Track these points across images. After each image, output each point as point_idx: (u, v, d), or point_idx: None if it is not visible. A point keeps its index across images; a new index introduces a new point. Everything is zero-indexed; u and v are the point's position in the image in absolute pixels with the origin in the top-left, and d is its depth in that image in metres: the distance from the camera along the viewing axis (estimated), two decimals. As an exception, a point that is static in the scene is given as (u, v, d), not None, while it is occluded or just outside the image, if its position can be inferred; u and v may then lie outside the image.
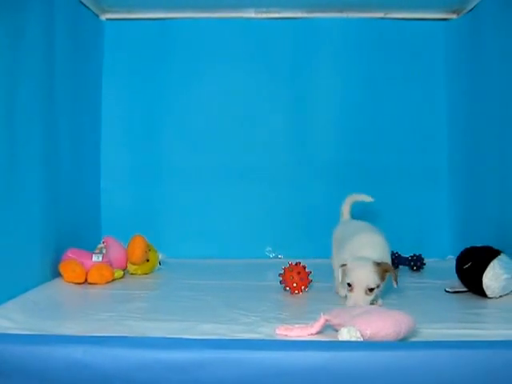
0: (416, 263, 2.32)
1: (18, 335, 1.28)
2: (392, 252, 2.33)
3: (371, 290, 1.58)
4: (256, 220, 2.63)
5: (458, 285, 1.89)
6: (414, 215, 2.62)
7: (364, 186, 2.51)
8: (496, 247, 1.86)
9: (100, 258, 2.04)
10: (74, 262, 1.99)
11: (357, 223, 1.94)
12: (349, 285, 1.60)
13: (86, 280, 1.98)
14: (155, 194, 2.64)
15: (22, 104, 1.78)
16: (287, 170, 2.64)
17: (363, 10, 2.58)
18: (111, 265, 2.07)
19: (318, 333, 1.36)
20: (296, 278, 1.86)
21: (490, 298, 1.78)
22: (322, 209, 2.55)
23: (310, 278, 1.88)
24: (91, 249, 2.13)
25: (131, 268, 2.20)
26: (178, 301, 1.76)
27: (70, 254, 2.02)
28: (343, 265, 1.64)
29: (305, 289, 1.87)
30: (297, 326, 1.40)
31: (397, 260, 2.34)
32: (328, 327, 1.38)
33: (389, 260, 1.71)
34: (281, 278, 1.91)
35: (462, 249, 1.95)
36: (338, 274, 1.66)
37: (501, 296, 1.78)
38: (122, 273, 2.14)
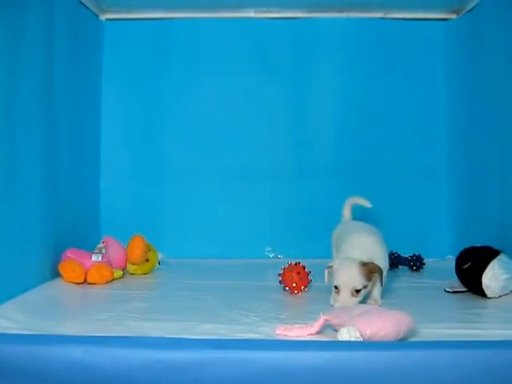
0: (416, 263, 2.31)
1: (18, 335, 1.28)
2: (392, 252, 2.35)
3: (358, 291, 1.57)
4: (256, 220, 2.63)
5: (457, 285, 1.89)
6: (414, 215, 2.62)
7: (364, 186, 2.53)
8: (496, 247, 1.86)
9: (99, 258, 2.04)
10: (73, 261, 1.99)
11: (354, 224, 1.93)
12: (335, 287, 1.60)
13: (85, 280, 1.98)
14: (155, 194, 2.64)
15: (21, 104, 1.77)
16: (287, 170, 2.64)
17: (363, 9, 2.58)
18: (111, 265, 2.07)
19: (318, 333, 1.36)
20: (295, 277, 1.86)
21: (489, 297, 1.78)
22: (322, 209, 2.55)
23: (310, 277, 1.88)
24: (91, 249, 2.13)
25: (131, 268, 2.20)
26: (177, 301, 1.76)
27: (70, 253, 2.02)
28: (329, 266, 1.64)
29: (304, 289, 1.87)
30: (296, 326, 1.40)
31: (396, 260, 2.34)
32: (328, 327, 1.38)
33: (381, 261, 1.68)
34: (280, 278, 1.91)
35: (461, 249, 1.95)
36: (325, 274, 1.66)
37: (500, 296, 1.78)
38: (122, 273, 2.14)
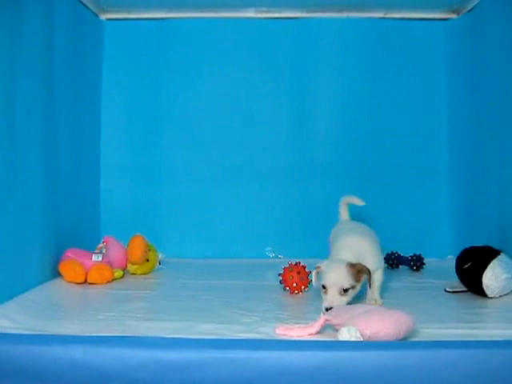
0: (416, 263, 2.31)
1: (18, 335, 1.28)
2: (392, 252, 2.35)
3: (346, 290, 1.57)
4: (256, 220, 2.63)
5: (457, 285, 1.89)
6: (414, 215, 2.62)
7: (364, 186, 2.53)
8: (496, 247, 1.87)
9: (100, 258, 2.04)
10: (73, 261, 1.99)
11: (347, 225, 1.92)
12: (323, 287, 1.59)
13: (85, 280, 1.98)
14: (155, 194, 2.64)
15: (21, 103, 1.77)
16: (287, 170, 2.64)
17: (363, 9, 2.58)
18: (111, 265, 2.07)
19: (318, 333, 1.36)
20: (296, 277, 1.86)
21: (489, 297, 1.78)
22: (321, 209, 2.55)
23: (310, 277, 1.88)
24: (91, 249, 2.13)
25: (131, 268, 2.20)
26: (178, 301, 1.76)
27: (70, 253, 2.03)
28: (317, 267, 1.64)
29: (305, 289, 1.87)
30: (297, 325, 1.40)
31: (397, 260, 2.34)
32: (328, 327, 1.38)
33: (372, 262, 1.67)
34: (281, 278, 1.91)
35: (461, 249, 1.95)
36: (313, 275, 1.66)
37: (500, 296, 1.78)
38: (122, 273, 2.14)
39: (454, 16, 2.60)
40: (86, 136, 2.45)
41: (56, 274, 1.99)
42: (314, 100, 2.63)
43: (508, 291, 1.79)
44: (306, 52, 2.63)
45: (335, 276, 1.57)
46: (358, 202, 1.97)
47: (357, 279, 1.59)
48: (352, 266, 1.59)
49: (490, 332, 1.42)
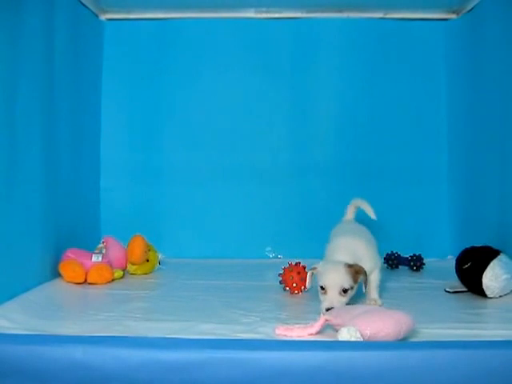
0: (416, 263, 2.31)
1: (18, 335, 1.28)
2: (392, 252, 2.35)
3: (345, 291, 1.56)
4: (256, 220, 2.63)
5: (457, 285, 1.89)
6: (414, 215, 2.62)
7: (364, 186, 2.53)
8: (496, 247, 1.86)
9: (100, 258, 2.04)
10: (73, 261, 1.99)
11: (345, 226, 1.90)
12: (322, 288, 1.58)
13: (85, 280, 1.98)
14: (155, 194, 2.64)
15: (21, 104, 1.77)
16: (287, 170, 2.64)
17: (363, 10, 2.58)
18: (111, 265, 2.07)
19: (318, 333, 1.36)
20: (296, 278, 1.86)
21: (489, 298, 1.78)
22: (322, 209, 2.55)
23: (310, 278, 1.88)
24: (91, 249, 2.13)
25: (131, 268, 2.20)
26: (178, 301, 1.76)
27: (70, 253, 2.03)
28: (313, 268, 1.63)
29: (305, 289, 1.87)
30: (297, 326, 1.40)
31: (397, 260, 2.34)
32: (328, 327, 1.38)
33: (368, 263, 1.67)
34: (280, 278, 1.91)
35: (461, 249, 1.95)
36: (307, 277, 1.65)
37: (500, 296, 1.78)
38: (122, 273, 2.14)
39: (453, 16, 2.60)
40: (85, 136, 2.45)
41: (56, 274, 1.99)
42: (313, 100, 2.63)
43: (508, 291, 1.79)
44: (306, 52, 2.63)
45: (335, 276, 1.57)
46: (371, 212, 1.91)
47: (355, 280, 1.59)
48: (350, 266, 1.59)
49: (489, 332, 1.42)
